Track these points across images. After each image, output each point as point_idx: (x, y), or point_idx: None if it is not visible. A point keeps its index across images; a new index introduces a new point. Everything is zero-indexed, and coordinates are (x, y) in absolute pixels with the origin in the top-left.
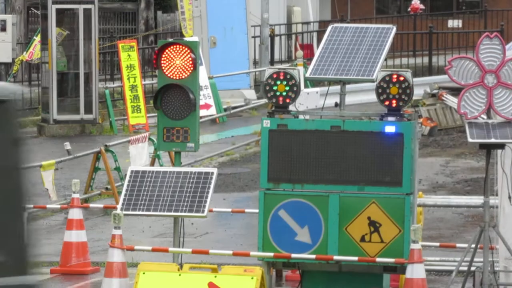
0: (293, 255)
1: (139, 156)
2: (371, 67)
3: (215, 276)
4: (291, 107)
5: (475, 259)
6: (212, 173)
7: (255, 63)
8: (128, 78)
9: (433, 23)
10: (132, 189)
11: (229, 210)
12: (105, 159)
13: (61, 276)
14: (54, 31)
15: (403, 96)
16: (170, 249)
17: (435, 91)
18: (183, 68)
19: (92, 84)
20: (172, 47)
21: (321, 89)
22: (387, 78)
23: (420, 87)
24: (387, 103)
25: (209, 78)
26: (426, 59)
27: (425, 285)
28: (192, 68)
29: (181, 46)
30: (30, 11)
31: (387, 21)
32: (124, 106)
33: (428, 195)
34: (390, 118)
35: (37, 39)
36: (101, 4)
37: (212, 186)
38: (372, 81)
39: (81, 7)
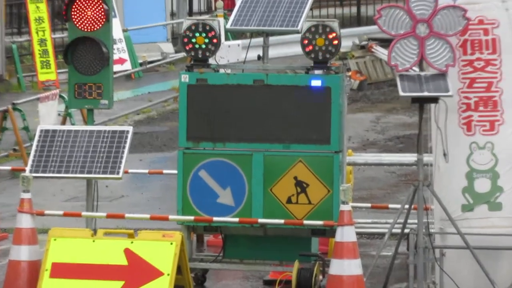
0: (215, 219)
1: (48, 114)
2: (295, 17)
3: (132, 242)
4: (211, 61)
5: (409, 221)
6: (128, 131)
7: (173, 14)
8: (37, 32)
9: None
10: (42, 150)
11: (146, 171)
12: (13, 118)
13: None
14: None
15: (330, 48)
16: (83, 213)
17: (364, 43)
18: (95, 20)
19: None
20: None
21: (243, 41)
22: (313, 29)
23: (348, 39)
24: (313, 55)
25: (124, 31)
26: (354, 9)
27: (356, 249)
28: (104, 20)
29: None
30: None
31: None
32: (32, 61)
33: (358, 153)
34: (317, 71)
35: None
36: None
37: (127, 145)
38: (297, 32)
39: None
